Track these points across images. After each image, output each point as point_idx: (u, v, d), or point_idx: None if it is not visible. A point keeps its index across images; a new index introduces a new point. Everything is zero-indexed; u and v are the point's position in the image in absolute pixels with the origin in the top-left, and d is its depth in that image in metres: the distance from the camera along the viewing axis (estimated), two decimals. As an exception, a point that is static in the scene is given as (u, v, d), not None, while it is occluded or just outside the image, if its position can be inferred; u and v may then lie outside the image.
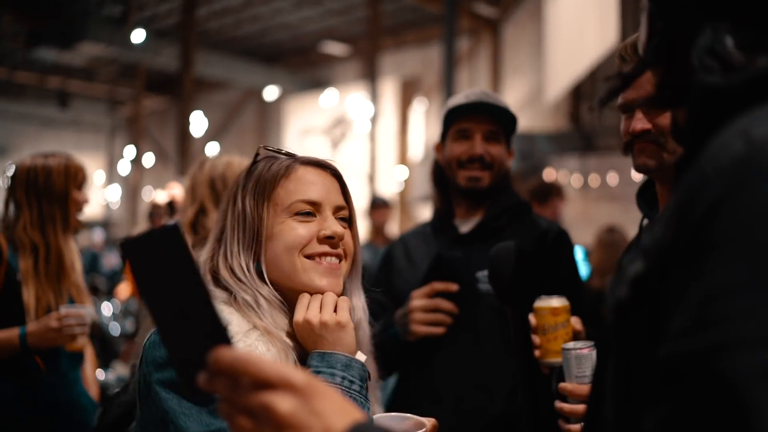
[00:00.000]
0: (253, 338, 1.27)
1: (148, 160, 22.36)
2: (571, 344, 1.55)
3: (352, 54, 21.67)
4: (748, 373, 0.53)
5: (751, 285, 0.56)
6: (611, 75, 0.90)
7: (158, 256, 0.82)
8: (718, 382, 0.55)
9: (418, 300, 2.06)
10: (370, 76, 17.47)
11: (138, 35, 15.15)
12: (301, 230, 1.37)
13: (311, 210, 1.39)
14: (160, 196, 5.46)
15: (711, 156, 0.63)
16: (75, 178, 2.89)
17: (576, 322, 1.75)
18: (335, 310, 1.34)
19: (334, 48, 21.09)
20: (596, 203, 14.32)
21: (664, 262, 0.65)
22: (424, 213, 21.62)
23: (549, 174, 13.22)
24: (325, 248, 1.38)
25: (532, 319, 1.66)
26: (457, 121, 2.20)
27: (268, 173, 1.40)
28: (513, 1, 19.40)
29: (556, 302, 1.66)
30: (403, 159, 21.29)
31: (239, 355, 0.74)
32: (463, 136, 2.18)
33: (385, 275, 2.36)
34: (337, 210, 1.43)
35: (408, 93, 21.47)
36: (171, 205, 4.37)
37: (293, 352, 1.32)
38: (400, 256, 2.36)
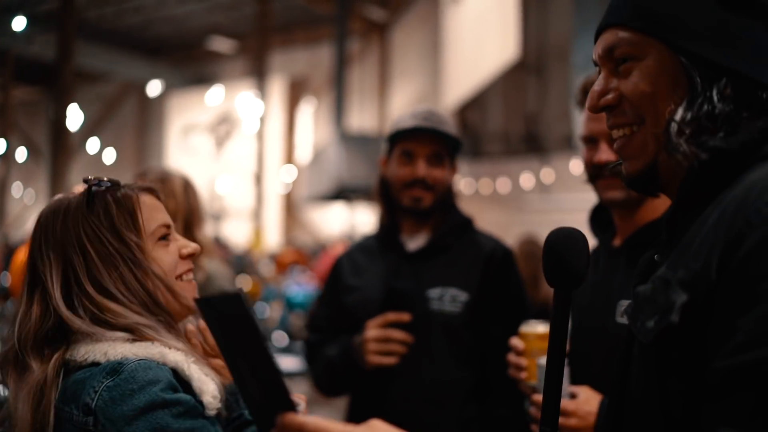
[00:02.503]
0: (190, 361, 1.27)
1: (21, 155, 21.12)
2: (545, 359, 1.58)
3: (238, 51, 21.30)
4: None
5: None
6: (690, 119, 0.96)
7: (230, 317, 0.88)
8: None
9: (372, 330, 2.14)
10: (258, 74, 17.21)
11: (8, 20, 14.26)
12: (172, 254, 1.40)
13: (167, 233, 1.41)
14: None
15: (746, 206, 0.82)
16: None
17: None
18: None
19: (221, 44, 20.65)
20: (488, 208, 14.72)
21: (710, 292, 0.83)
22: (311, 214, 21.55)
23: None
24: (187, 264, 1.42)
25: (519, 343, 1.75)
26: (402, 142, 2.24)
27: (123, 208, 1.36)
28: (401, 6, 19.64)
29: (542, 329, 1.73)
30: (290, 159, 21.11)
31: (307, 422, 0.83)
32: (407, 158, 2.23)
33: (334, 292, 2.39)
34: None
35: (296, 92, 21.32)
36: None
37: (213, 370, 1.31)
38: (348, 273, 2.37)
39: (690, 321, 0.85)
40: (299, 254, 14.55)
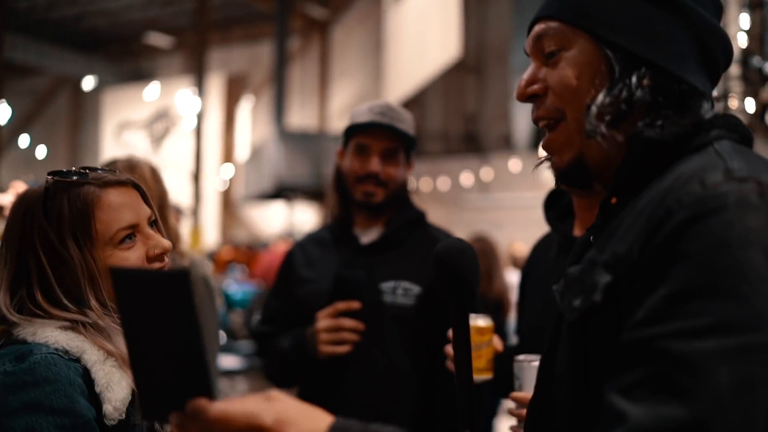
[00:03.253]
0: (108, 365, 1.23)
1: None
2: (524, 356, 1.64)
3: (176, 47, 20.94)
4: (696, 354, 0.77)
5: (704, 290, 0.79)
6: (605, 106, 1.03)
7: (157, 295, 0.84)
8: (676, 358, 0.78)
9: (322, 321, 2.14)
10: (196, 70, 16.95)
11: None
12: (132, 258, 1.33)
13: (132, 233, 1.34)
14: (4, 198, 4.88)
15: (671, 194, 0.87)
16: None
17: (497, 342, 1.86)
18: None
19: (158, 39, 20.27)
20: (428, 206, 14.78)
21: (630, 273, 0.88)
22: (250, 212, 21.33)
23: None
24: (157, 264, 1.37)
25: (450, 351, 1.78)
26: (357, 135, 2.25)
27: (77, 211, 1.29)
28: (342, 5, 19.61)
29: (482, 322, 1.76)
30: (228, 157, 20.86)
31: (221, 409, 0.80)
32: (361, 152, 2.23)
33: (287, 284, 2.38)
34: (149, 220, 1.39)
35: (235, 90, 21.07)
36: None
37: None
38: (300, 264, 2.37)
39: (611, 301, 0.90)
40: (238, 252, 14.42)
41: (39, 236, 1.28)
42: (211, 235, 19.69)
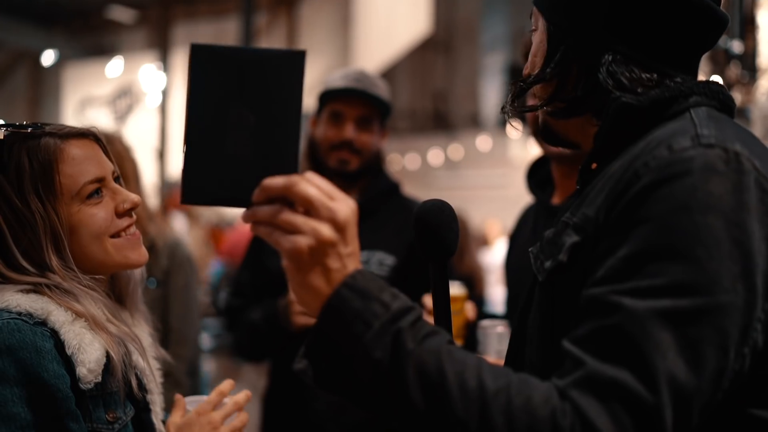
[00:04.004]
0: (78, 326, 1.15)
1: None
2: (487, 322, 1.70)
3: (140, 21, 20.53)
4: (646, 311, 0.81)
5: (661, 251, 0.83)
6: (513, 81, 1.14)
7: (256, 73, 0.83)
8: (629, 314, 0.82)
9: None
10: (161, 46, 16.63)
11: None
12: (101, 214, 1.27)
13: (99, 188, 1.28)
14: None
15: (640, 158, 0.90)
16: None
17: (469, 310, 1.88)
18: None
19: (121, 14, 19.82)
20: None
21: (596, 234, 0.91)
22: (217, 191, 21.07)
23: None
24: (127, 220, 1.31)
25: (429, 302, 1.79)
26: (331, 102, 2.21)
27: (38, 164, 1.21)
28: (310, -20, 19.38)
29: (455, 290, 1.78)
30: (194, 135, 20.62)
31: (298, 179, 0.82)
32: (335, 119, 2.20)
33: (257, 255, 2.31)
34: (113, 176, 1.34)
35: (201, 66, 20.77)
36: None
37: (115, 342, 1.21)
38: None
39: (577, 261, 0.94)
40: (204, 231, 14.27)
41: None
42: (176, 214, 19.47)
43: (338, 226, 0.83)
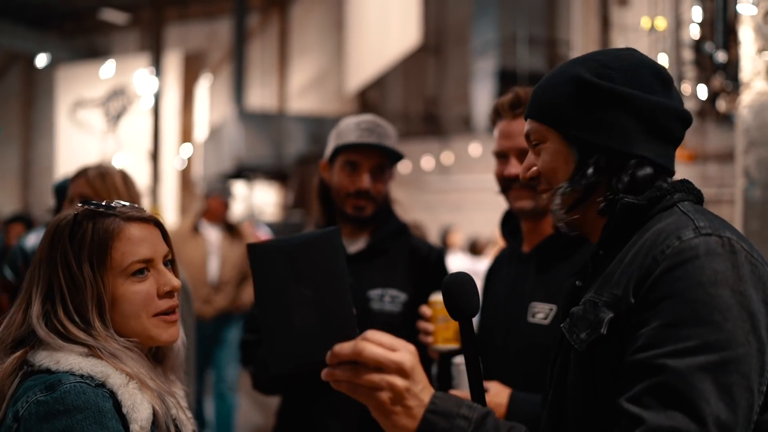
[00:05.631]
0: (131, 387, 1.32)
1: None
2: (459, 359, 1.84)
3: (132, 23, 20.54)
4: (687, 368, 1.03)
5: (688, 320, 1.06)
6: (552, 192, 1.34)
7: (301, 257, 1.00)
8: (674, 372, 1.04)
9: None
10: (153, 47, 16.67)
11: None
12: (142, 292, 1.41)
13: (145, 267, 1.42)
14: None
15: (655, 248, 1.14)
16: None
17: None
18: None
19: (114, 16, 19.84)
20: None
21: (628, 310, 1.15)
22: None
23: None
24: (168, 303, 1.44)
25: (427, 310, 1.98)
26: (346, 152, 2.31)
27: (98, 238, 1.40)
28: (302, -17, 19.42)
29: (439, 296, 1.88)
30: (187, 136, 20.60)
31: (363, 344, 0.98)
32: (351, 168, 2.30)
33: None
34: (164, 258, 1.48)
35: (193, 68, 20.77)
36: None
37: (160, 398, 1.36)
38: None
39: (614, 332, 1.16)
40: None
41: (61, 257, 1.39)
42: (170, 215, 19.48)
43: (406, 374, 1.00)
